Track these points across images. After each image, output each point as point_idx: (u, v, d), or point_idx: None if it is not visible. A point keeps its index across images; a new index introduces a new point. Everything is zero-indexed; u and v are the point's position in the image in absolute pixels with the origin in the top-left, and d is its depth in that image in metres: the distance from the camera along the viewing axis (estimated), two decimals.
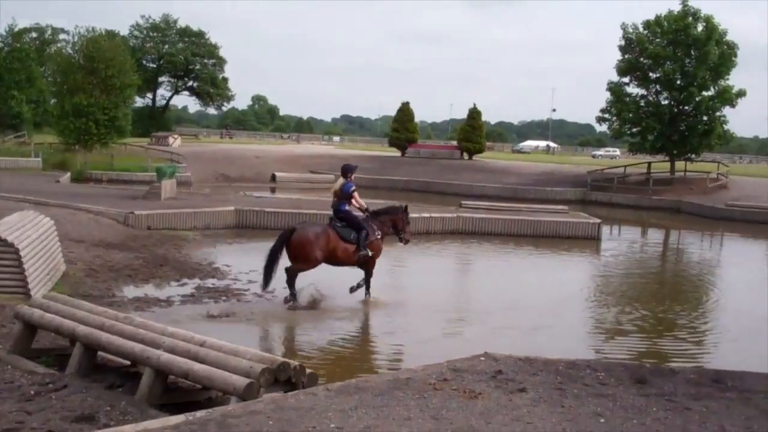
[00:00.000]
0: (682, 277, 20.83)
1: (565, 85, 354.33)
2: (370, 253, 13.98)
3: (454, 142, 65.05)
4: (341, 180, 14.32)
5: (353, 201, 14.19)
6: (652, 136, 47.19)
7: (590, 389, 7.14)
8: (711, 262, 24.63)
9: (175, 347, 7.63)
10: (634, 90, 48.88)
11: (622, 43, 47.80)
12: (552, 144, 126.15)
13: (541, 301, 15.14)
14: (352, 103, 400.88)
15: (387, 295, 14.57)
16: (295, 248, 13.42)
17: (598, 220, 26.82)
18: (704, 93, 46.22)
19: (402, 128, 59.19)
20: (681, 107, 46.97)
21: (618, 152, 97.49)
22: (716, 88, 46.22)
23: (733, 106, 46.23)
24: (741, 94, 46.02)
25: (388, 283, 15.51)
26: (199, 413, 6.01)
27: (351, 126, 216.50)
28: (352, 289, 14.07)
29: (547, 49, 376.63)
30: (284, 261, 13.55)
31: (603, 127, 54.10)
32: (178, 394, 7.98)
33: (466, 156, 58.16)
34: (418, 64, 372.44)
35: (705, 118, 46.51)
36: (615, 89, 48.33)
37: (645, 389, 7.26)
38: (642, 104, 48.11)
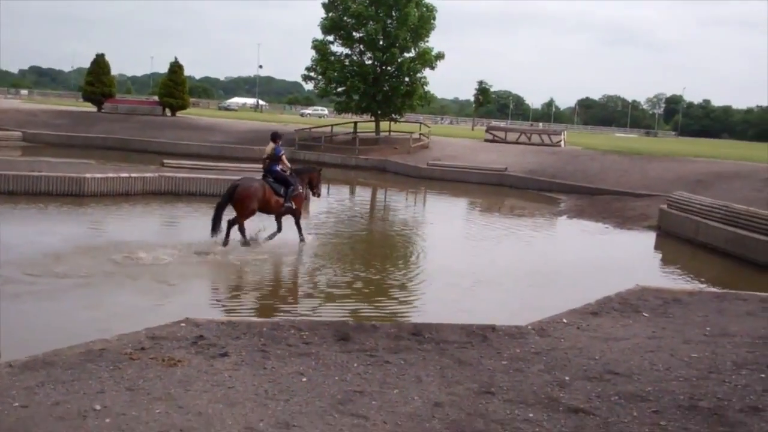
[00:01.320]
0: (391, 236, 21.82)
1: (272, 41, 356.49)
2: (293, 206, 17.16)
3: (156, 98, 63.05)
4: (271, 144, 17.28)
5: (282, 162, 17.26)
6: (357, 96, 48.71)
7: (294, 349, 7.28)
8: (416, 220, 26.07)
9: None
10: (338, 49, 49.95)
11: (326, 0, 48.70)
12: (261, 102, 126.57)
13: (253, 265, 15.12)
14: (42, 53, 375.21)
15: (100, 265, 13.89)
16: (238, 200, 16.13)
17: None
18: (406, 54, 48.35)
19: (97, 82, 56.28)
20: (384, 68, 48.77)
21: (326, 111, 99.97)
22: (417, 49, 48.54)
23: (432, 68, 48.84)
24: (440, 56, 48.71)
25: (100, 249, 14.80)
26: None
27: (42, 78, 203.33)
28: (269, 238, 17.02)
29: (253, 1, 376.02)
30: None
31: (310, 86, 55.00)
32: None
33: (168, 112, 56.65)
34: (115, 12, 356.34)
35: (407, 79, 48.72)
36: (320, 47, 49.06)
37: (348, 346, 7.54)
38: (347, 63, 49.24)
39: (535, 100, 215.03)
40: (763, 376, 7.10)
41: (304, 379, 6.40)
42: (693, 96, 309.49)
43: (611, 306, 10.24)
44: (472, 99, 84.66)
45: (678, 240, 21.92)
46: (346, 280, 14.48)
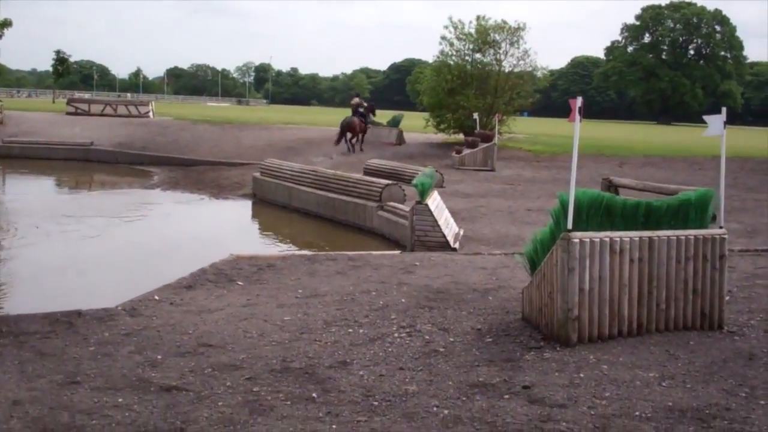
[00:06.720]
0: None
1: None
2: (370, 126, 34.50)
3: None
4: (356, 99, 35.19)
5: (360, 106, 34.52)
6: None
7: None
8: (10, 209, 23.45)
9: None
10: None
11: None
12: None
13: None
14: None
15: None
16: (349, 127, 32.18)
17: None
18: None
19: None
20: None
21: None
22: None
23: None
24: (7, 24, 46.00)
25: None
26: None
27: None
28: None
29: None
30: None
31: None
32: None
33: None
34: None
35: None
36: None
37: None
38: None
39: (121, 70, 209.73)
40: (350, 330, 7.62)
41: None
42: (281, 65, 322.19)
43: (205, 278, 10.32)
44: (51, 70, 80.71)
45: (273, 206, 22.79)
46: None
